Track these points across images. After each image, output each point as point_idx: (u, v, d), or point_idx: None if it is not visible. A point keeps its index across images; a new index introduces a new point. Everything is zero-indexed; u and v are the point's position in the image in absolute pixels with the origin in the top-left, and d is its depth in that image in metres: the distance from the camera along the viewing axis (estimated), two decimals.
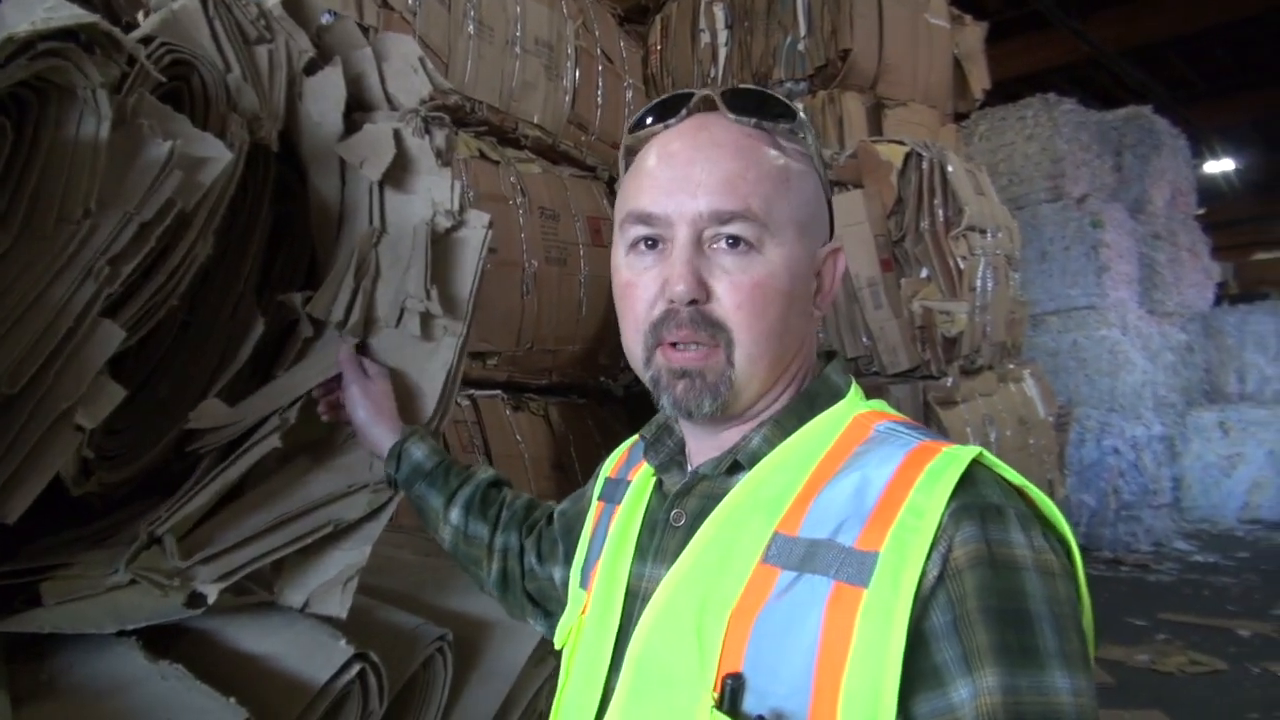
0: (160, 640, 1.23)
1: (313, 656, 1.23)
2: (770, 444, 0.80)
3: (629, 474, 0.97)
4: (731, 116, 0.81)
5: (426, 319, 1.37)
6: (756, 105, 0.82)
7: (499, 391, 3.36)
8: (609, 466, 1.04)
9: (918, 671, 0.65)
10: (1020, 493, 0.73)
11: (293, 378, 1.33)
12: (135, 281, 1.18)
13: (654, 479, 0.91)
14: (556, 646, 0.95)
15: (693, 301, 0.77)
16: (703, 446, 0.86)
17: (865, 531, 0.69)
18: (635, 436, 1.01)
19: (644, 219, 0.80)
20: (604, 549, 0.90)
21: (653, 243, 0.80)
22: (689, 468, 0.88)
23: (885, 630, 0.65)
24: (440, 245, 1.41)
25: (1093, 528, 7.33)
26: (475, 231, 1.42)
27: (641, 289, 0.80)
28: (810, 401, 0.83)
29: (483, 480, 1.24)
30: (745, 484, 0.79)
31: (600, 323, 3.62)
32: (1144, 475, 7.53)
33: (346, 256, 1.38)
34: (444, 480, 1.22)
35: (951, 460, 0.71)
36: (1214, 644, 4.71)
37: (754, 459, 0.80)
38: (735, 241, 0.78)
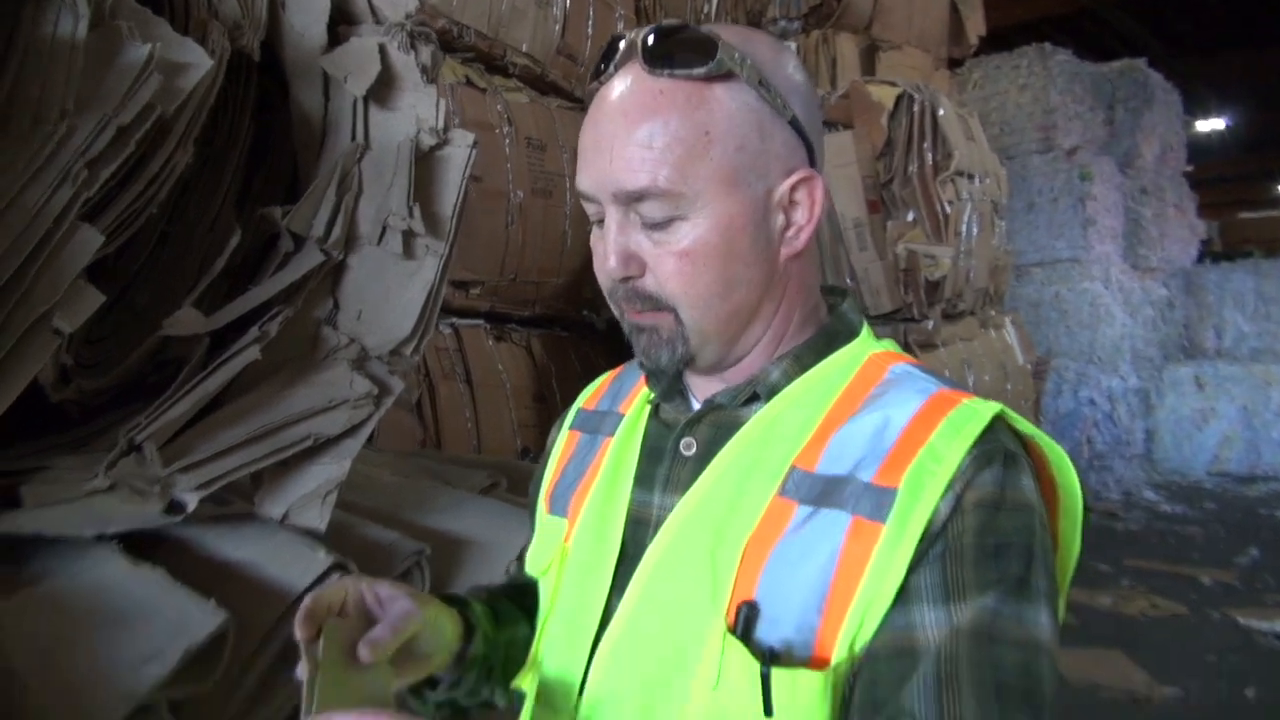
0: (139, 547, 1.24)
1: (291, 565, 1.25)
2: (789, 378, 0.80)
3: (619, 406, 0.95)
4: (647, 70, 0.74)
5: (409, 237, 1.36)
6: (669, 54, 0.74)
7: (481, 321, 3.35)
8: (583, 399, 1.02)
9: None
10: (1027, 444, 0.74)
11: (267, 288, 1.32)
12: (114, 188, 1.17)
13: (648, 408, 0.89)
14: (534, 575, 0.93)
15: (627, 278, 0.77)
16: (707, 379, 0.84)
17: (883, 468, 0.69)
18: (612, 372, 1.00)
19: (583, 196, 0.79)
20: (597, 476, 0.88)
21: (599, 213, 0.79)
22: (691, 397, 0.86)
23: (889, 564, 0.66)
24: (424, 163, 1.39)
25: None
26: (459, 150, 1.41)
27: (599, 258, 0.80)
28: (829, 339, 0.83)
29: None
30: (762, 416, 0.79)
31: (584, 256, 3.60)
32: (1118, 426, 7.64)
33: (329, 171, 1.37)
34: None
35: (973, 415, 0.71)
36: (1177, 590, 4.82)
37: (772, 391, 0.80)
38: (652, 215, 0.75)
